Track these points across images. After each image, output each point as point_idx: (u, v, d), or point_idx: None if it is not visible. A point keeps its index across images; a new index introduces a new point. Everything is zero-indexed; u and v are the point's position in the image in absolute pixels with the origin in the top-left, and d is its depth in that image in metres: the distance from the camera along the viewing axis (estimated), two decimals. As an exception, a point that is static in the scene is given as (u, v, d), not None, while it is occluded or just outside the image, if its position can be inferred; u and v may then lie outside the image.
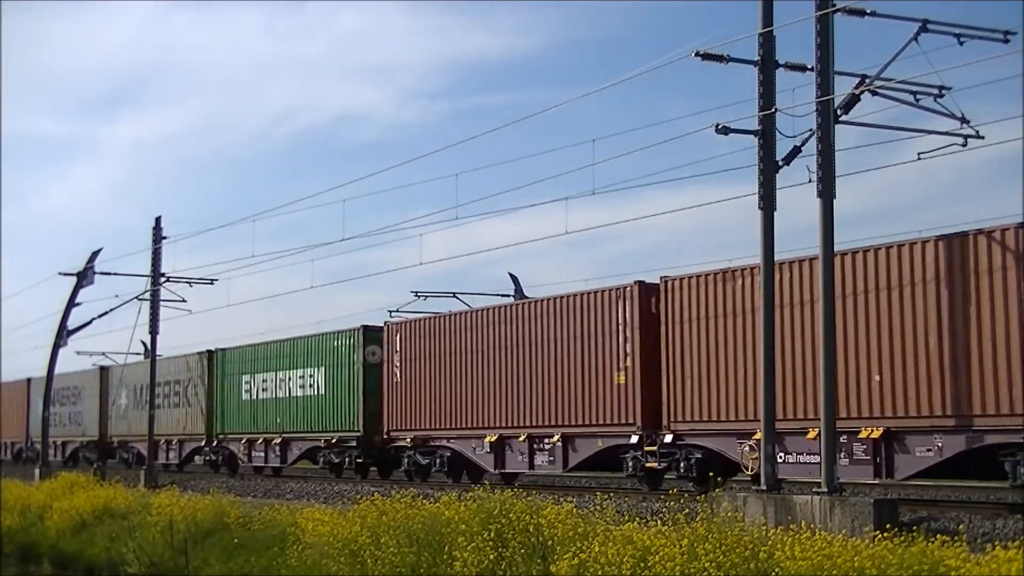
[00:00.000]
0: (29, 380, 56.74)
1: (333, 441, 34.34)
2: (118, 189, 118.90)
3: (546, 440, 26.70)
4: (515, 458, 27.72)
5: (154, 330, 39.01)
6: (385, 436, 32.21)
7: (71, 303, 43.73)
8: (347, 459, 33.95)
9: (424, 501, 19.56)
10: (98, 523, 29.59)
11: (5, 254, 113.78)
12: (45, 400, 46.28)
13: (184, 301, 39.23)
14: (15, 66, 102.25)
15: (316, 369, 35.20)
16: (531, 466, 27.34)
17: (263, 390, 38.03)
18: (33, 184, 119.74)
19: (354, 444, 33.44)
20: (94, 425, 50.81)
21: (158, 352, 41.00)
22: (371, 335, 33.00)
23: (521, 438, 27.28)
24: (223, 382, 40.83)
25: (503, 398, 27.93)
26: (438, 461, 30.38)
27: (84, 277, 42.92)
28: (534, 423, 26.99)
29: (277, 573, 20.40)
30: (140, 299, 39.33)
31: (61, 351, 45.23)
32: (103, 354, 51.98)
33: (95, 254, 42.93)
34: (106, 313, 42.88)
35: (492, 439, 28.17)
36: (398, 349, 31.85)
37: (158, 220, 38.48)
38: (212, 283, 39.20)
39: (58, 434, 53.33)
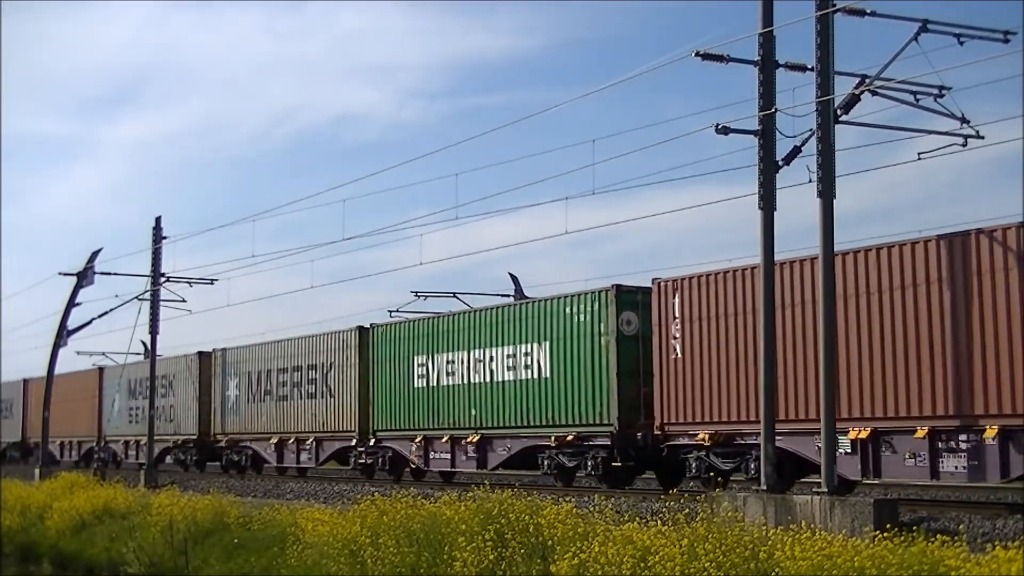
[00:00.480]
0: (102, 369, 50.86)
1: (569, 439, 25.83)
2: (118, 189, 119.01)
3: (962, 437, 18.27)
4: (896, 462, 19.27)
5: (154, 330, 39.04)
6: (658, 431, 23.91)
7: (71, 303, 43.76)
8: (590, 462, 25.34)
9: (424, 501, 19.57)
10: (98, 523, 29.59)
11: (5, 254, 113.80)
12: (45, 400, 46.25)
13: (184, 301, 39.27)
14: (15, 66, 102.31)
15: (536, 345, 26.71)
16: (935, 473, 18.76)
17: (448, 374, 29.65)
18: (33, 184, 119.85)
19: (604, 443, 25.01)
20: (191, 421, 42.43)
21: (159, 353, 41.02)
22: (626, 298, 24.95)
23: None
24: (383, 365, 32.34)
25: (889, 372, 19.40)
26: (752, 465, 21.58)
27: (84, 277, 42.94)
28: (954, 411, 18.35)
29: (277, 573, 20.40)
30: (140, 299, 39.37)
31: (61, 351, 45.33)
32: (103, 354, 51.95)
33: (95, 254, 42.98)
34: (106, 313, 42.95)
35: (860, 434, 19.70)
36: (677, 314, 23.40)
37: (158, 220, 38.55)
38: (212, 283, 39.27)
39: (141, 432, 44.94)
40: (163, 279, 38.54)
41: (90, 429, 50.59)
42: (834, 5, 17.49)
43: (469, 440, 28.61)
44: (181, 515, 25.12)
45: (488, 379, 28.22)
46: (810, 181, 17.50)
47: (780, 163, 18.18)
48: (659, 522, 15.60)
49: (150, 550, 24.73)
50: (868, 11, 17.94)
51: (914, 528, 13.99)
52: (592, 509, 16.81)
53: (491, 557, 16.08)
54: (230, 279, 42.57)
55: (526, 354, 27.06)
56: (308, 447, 35.58)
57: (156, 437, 43.78)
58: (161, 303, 38.87)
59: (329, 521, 20.23)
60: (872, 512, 15.52)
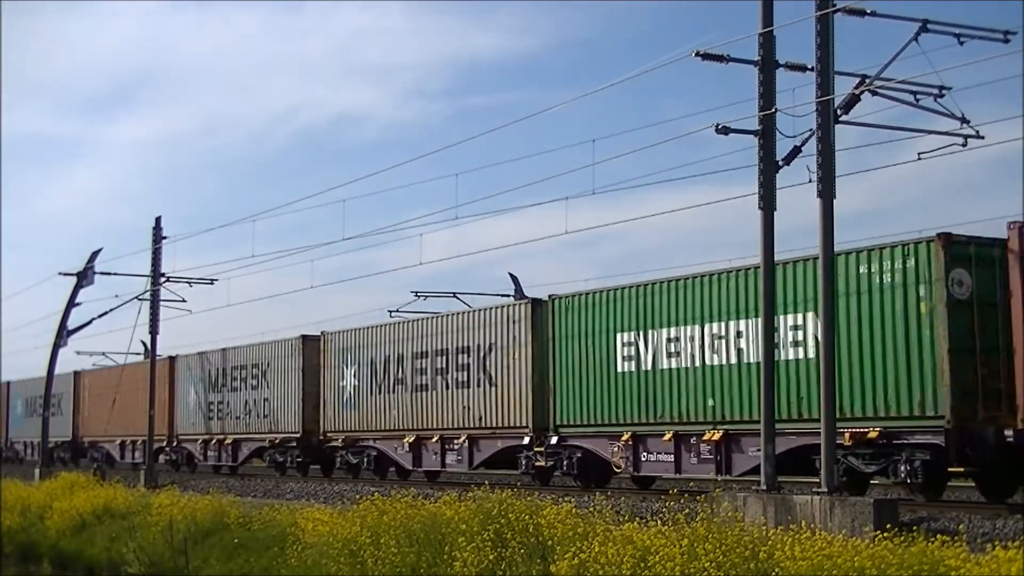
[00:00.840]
0: (173, 359, 44.59)
1: (870, 435, 19.72)
2: (118, 189, 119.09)
3: None
4: None
5: (154, 330, 39.10)
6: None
7: (71, 303, 43.85)
8: (905, 466, 19.43)
9: (424, 501, 19.57)
10: (98, 523, 29.62)
11: (5, 254, 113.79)
12: (45, 400, 46.29)
13: (184, 301, 39.36)
14: (15, 66, 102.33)
15: (811, 315, 20.54)
16: None
17: (671, 354, 23.61)
18: (33, 184, 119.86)
19: (929, 441, 19.14)
20: (293, 416, 36.24)
21: (157, 354, 40.97)
22: (957, 251, 19.00)
23: None
24: (568, 345, 26.19)
25: None
26: None
27: (84, 277, 43.04)
28: None
29: (277, 573, 20.41)
30: (140, 299, 39.49)
31: (61, 351, 45.40)
32: (103, 354, 51.91)
33: (95, 254, 43.09)
34: (106, 313, 43.12)
35: None
36: None
37: (158, 220, 38.62)
38: (212, 283, 39.36)
39: (227, 429, 40.34)
40: (163, 279, 38.60)
41: (158, 426, 43.44)
42: (834, 5, 17.49)
43: (707, 438, 22.50)
44: (181, 515, 25.14)
45: (734, 360, 22.20)
46: (810, 181, 17.50)
47: (780, 163, 18.18)
48: (659, 522, 15.60)
49: (150, 550, 24.75)
50: (868, 11, 17.94)
51: (914, 528, 13.99)
52: (592, 509, 16.80)
53: (491, 557, 16.08)
54: (230, 279, 42.54)
55: (795, 327, 21.04)
56: (457, 447, 29.39)
57: (241, 435, 39.29)
58: (161, 303, 38.94)
59: (329, 521, 20.24)
60: (872, 512, 15.51)
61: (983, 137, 18.48)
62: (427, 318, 31.53)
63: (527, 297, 29.71)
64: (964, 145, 18.66)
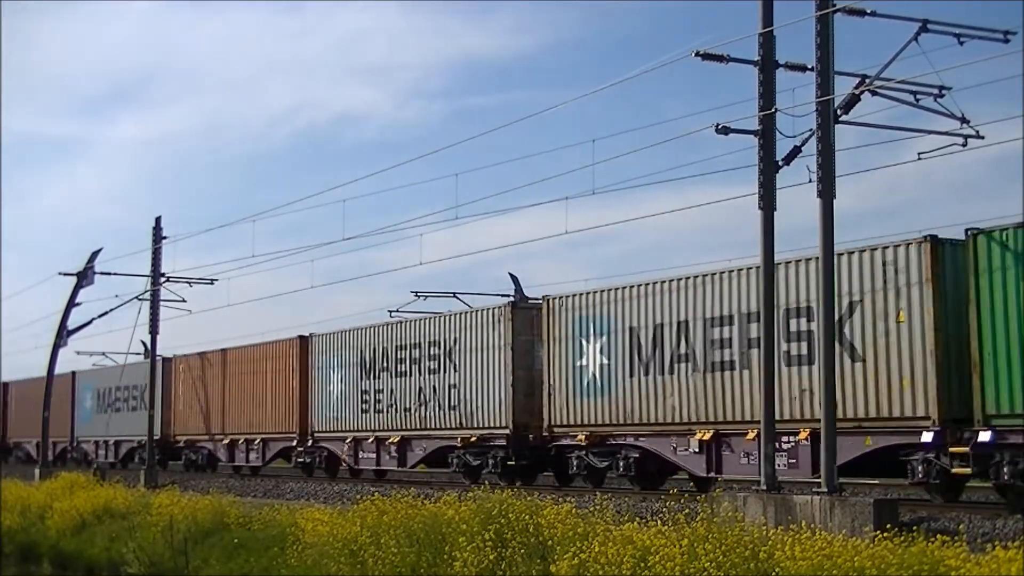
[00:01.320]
0: (304, 339, 36.16)
1: None
2: (118, 189, 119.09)
3: None
4: None
5: (154, 330, 39.09)
6: None
7: (71, 303, 43.86)
8: None
9: (424, 501, 19.57)
10: (98, 523, 29.63)
11: (5, 254, 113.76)
12: (46, 400, 46.23)
13: (184, 301, 39.27)
14: (15, 66, 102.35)
15: None
16: None
17: None
18: (33, 184, 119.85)
19: None
20: (497, 407, 27.94)
21: (155, 351, 40.90)
22: None
23: None
24: (1010, 300, 17.70)
25: None
26: None
27: (84, 277, 43.05)
28: None
29: (277, 573, 20.41)
30: (140, 299, 39.49)
31: (61, 351, 45.39)
32: (103, 354, 51.69)
33: (95, 254, 43.09)
34: (106, 313, 43.12)
35: None
36: None
37: (158, 220, 38.63)
38: (212, 283, 39.34)
39: (390, 425, 31.69)
40: (163, 279, 38.61)
41: (282, 422, 36.80)
42: (834, 5, 17.49)
43: None
44: (181, 515, 25.14)
45: None
46: (810, 181, 17.51)
47: (780, 163, 18.19)
48: (659, 522, 15.60)
49: (150, 550, 24.75)
50: (868, 11, 17.95)
51: (914, 528, 13.99)
52: (592, 509, 16.81)
53: (491, 557, 16.09)
54: (230, 279, 42.36)
55: None
56: (789, 446, 21.01)
57: (420, 433, 30.51)
58: (161, 303, 38.94)
59: (329, 521, 20.24)
60: (872, 512, 15.52)
61: (983, 137, 18.50)
62: (726, 271, 22.81)
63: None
64: (964, 145, 18.66)
